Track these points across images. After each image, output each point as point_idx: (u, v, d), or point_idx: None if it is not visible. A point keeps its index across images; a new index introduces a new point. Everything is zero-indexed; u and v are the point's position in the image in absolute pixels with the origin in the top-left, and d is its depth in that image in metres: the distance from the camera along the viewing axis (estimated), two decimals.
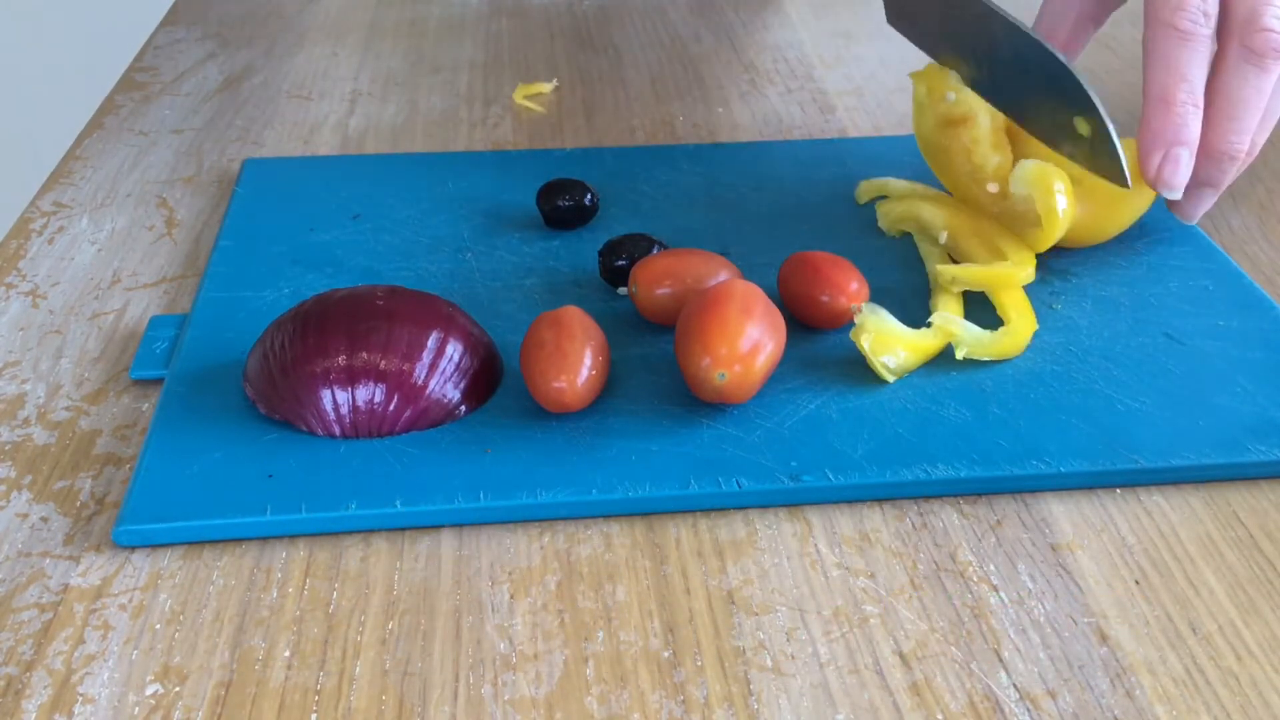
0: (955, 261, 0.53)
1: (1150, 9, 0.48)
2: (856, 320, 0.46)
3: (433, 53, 0.80)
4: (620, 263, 0.51)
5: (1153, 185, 0.48)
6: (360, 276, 0.53)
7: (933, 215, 0.55)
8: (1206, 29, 0.47)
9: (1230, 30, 0.48)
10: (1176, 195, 0.48)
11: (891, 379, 0.46)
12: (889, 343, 0.46)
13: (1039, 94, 0.50)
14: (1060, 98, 0.49)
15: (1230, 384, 0.46)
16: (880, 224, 0.56)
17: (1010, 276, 0.49)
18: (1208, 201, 0.51)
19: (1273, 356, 0.47)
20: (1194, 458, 0.42)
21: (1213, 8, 0.48)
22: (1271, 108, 0.49)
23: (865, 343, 0.46)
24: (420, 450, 0.43)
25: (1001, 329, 0.48)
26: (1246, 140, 0.48)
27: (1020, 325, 0.48)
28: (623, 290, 0.51)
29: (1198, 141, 0.48)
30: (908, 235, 0.56)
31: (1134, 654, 0.36)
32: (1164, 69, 0.47)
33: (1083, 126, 0.48)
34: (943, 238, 0.54)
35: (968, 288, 0.50)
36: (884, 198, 0.58)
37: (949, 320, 0.47)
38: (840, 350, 0.48)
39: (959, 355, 0.47)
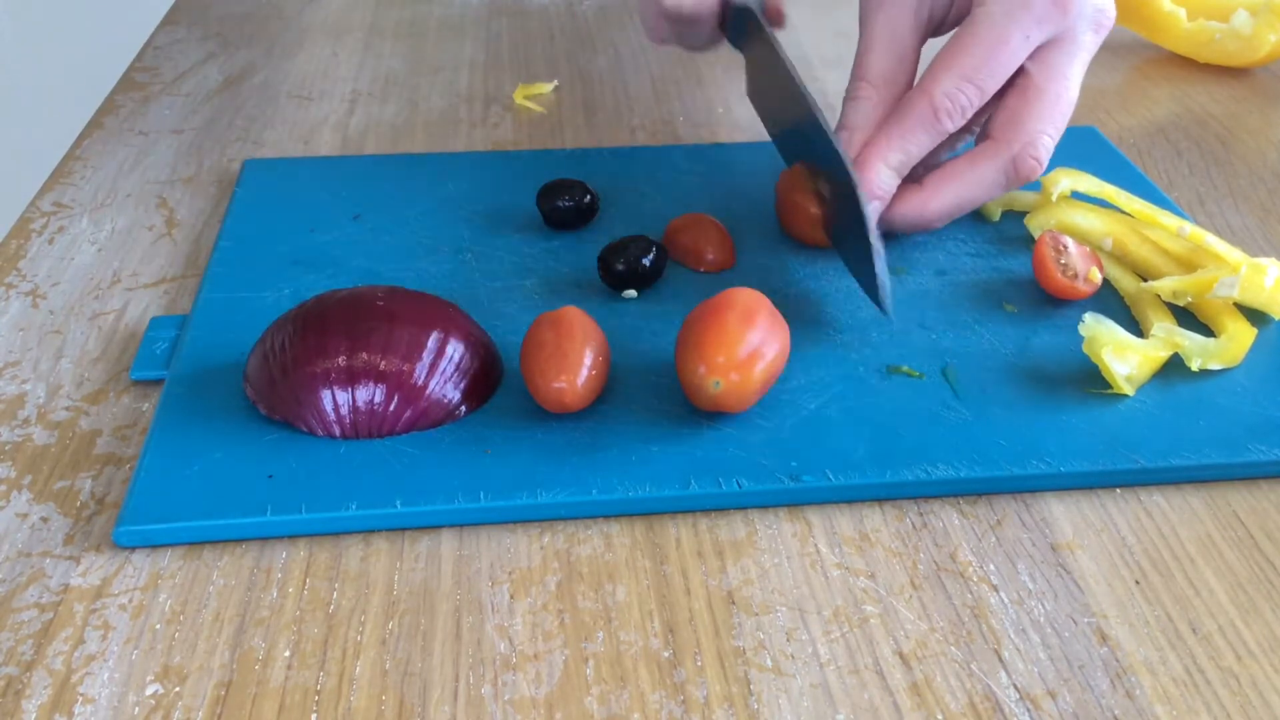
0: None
1: (927, 75, 0.51)
2: (1086, 333, 0.46)
3: (433, 53, 0.80)
4: (620, 267, 0.50)
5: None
6: (360, 277, 0.53)
7: (1090, 223, 0.54)
8: (954, 125, 0.51)
9: (1006, 139, 0.51)
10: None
11: (1130, 390, 0.45)
12: (1124, 353, 0.45)
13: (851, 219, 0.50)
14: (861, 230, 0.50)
15: (1230, 383, 0.46)
16: (1034, 235, 0.55)
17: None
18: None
19: (1273, 356, 0.47)
20: (1194, 458, 0.42)
21: (971, 108, 0.50)
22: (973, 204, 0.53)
23: (1106, 355, 0.45)
24: (420, 450, 0.43)
25: (1225, 336, 0.47)
26: (944, 222, 0.53)
27: (1240, 331, 0.47)
28: (627, 294, 0.51)
29: (888, 199, 0.52)
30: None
31: (1134, 654, 0.36)
32: (900, 135, 0.51)
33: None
34: (1107, 244, 0.53)
35: (1193, 298, 0.49)
36: (1011, 210, 0.57)
37: (1173, 331, 0.47)
38: (840, 350, 0.48)
39: (1194, 366, 0.46)
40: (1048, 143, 0.51)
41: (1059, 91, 0.51)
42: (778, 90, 0.56)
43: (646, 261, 0.51)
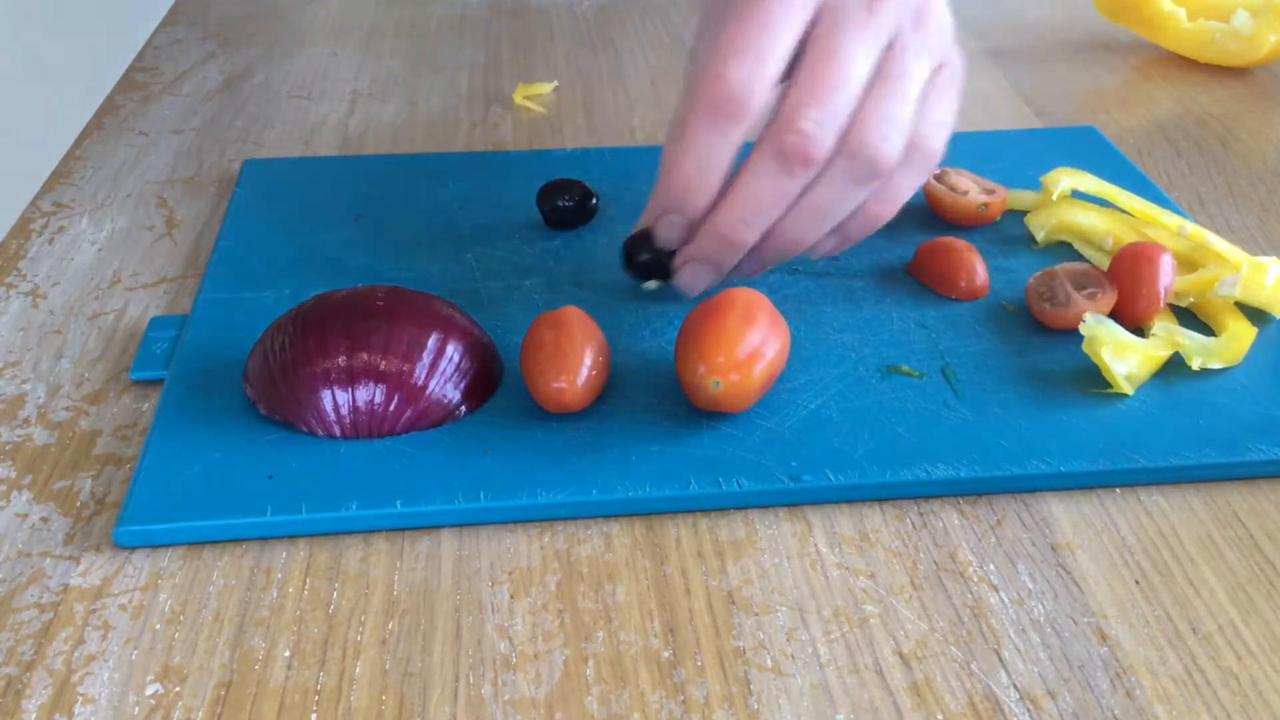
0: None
1: (691, 86, 0.45)
2: (1086, 332, 0.46)
3: (433, 53, 0.80)
4: (644, 258, 0.49)
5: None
6: (360, 276, 0.53)
7: (1091, 222, 0.54)
8: (739, 126, 0.44)
9: (770, 124, 0.44)
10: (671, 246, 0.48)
11: (1130, 390, 0.45)
12: (1124, 353, 0.45)
13: None
14: None
15: (1230, 383, 0.46)
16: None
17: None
18: (705, 278, 0.48)
19: (1273, 356, 0.47)
20: (1194, 457, 0.42)
21: (753, 106, 0.44)
22: (821, 209, 0.46)
23: (1106, 354, 0.45)
24: (420, 450, 0.43)
25: (1225, 335, 0.47)
26: (750, 233, 0.46)
27: (1241, 330, 0.47)
28: (649, 285, 0.51)
29: (697, 214, 0.46)
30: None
31: (1134, 654, 0.36)
32: (679, 140, 0.45)
33: None
34: (1108, 243, 0.53)
35: (1194, 298, 0.49)
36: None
37: (1173, 330, 0.47)
38: (840, 350, 0.48)
39: (1194, 366, 0.46)
40: (811, 114, 0.43)
41: (822, 60, 0.44)
42: None
43: (671, 251, 0.50)
